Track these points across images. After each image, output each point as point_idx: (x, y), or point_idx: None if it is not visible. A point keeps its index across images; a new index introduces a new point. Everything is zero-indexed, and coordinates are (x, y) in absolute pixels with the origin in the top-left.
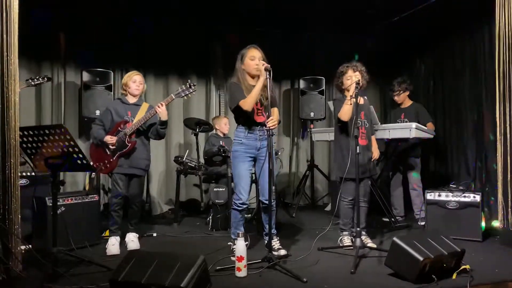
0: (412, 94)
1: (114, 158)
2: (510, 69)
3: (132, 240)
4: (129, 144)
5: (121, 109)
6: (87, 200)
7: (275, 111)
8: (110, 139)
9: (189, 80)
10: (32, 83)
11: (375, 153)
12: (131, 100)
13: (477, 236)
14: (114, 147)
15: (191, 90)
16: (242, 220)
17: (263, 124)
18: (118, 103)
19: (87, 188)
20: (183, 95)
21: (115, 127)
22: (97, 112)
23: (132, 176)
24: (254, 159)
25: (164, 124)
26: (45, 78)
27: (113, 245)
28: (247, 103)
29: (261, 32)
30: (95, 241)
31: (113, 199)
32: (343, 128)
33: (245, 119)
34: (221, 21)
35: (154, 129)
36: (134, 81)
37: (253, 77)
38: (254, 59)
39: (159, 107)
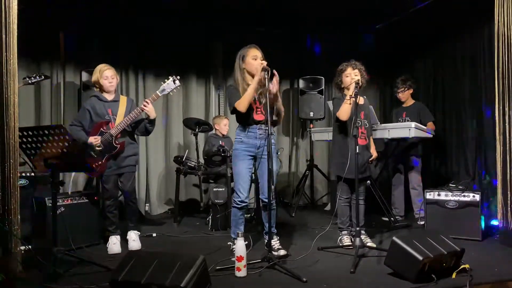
0: (413, 94)
1: (103, 161)
2: (509, 68)
3: (134, 240)
4: (118, 146)
5: (100, 108)
6: (86, 200)
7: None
8: (94, 140)
9: (174, 75)
10: (29, 81)
11: (374, 154)
12: (109, 96)
13: (477, 236)
14: (100, 148)
15: (176, 85)
16: (242, 219)
17: (262, 122)
18: (95, 101)
19: (69, 192)
20: (168, 91)
21: (96, 128)
22: None
23: (123, 174)
24: (255, 158)
25: (152, 122)
26: (43, 76)
27: (114, 244)
28: (241, 104)
29: (261, 32)
30: (94, 241)
31: (106, 201)
32: (342, 127)
33: (244, 118)
34: (221, 21)
35: (141, 127)
36: (106, 77)
37: (253, 76)
38: (256, 59)
39: (145, 105)
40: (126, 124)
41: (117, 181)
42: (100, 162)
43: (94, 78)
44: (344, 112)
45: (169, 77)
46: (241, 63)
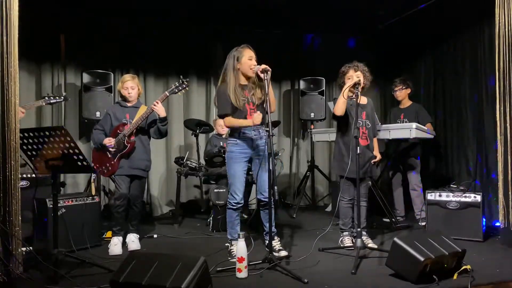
0: (412, 94)
1: (115, 160)
2: (510, 69)
3: (133, 241)
4: (128, 145)
5: (119, 113)
6: (87, 201)
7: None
8: (108, 141)
9: (181, 76)
10: (50, 101)
11: (378, 156)
12: (129, 103)
13: (478, 236)
14: (114, 149)
15: (184, 86)
16: (238, 220)
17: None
18: (116, 106)
19: (93, 192)
20: (176, 91)
21: (114, 130)
22: (97, 114)
23: (133, 177)
24: (250, 160)
25: (164, 120)
26: (62, 97)
27: (115, 245)
28: (228, 123)
29: (261, 32)
30: (95, 243)
31: (116, 201)
32: (343, 127)
33: (238, 118)
34: (221, 22)
35: (155, 128)
36: (126, 88)
37: (247, 77)
38: (252, 59)
39: (154, 105)
40: (138, 124)
41: (128, 182)
42: (112, 162)
43: (118, 86)
44: (338, 107)
45: (179, 79)
46: (236, 63)
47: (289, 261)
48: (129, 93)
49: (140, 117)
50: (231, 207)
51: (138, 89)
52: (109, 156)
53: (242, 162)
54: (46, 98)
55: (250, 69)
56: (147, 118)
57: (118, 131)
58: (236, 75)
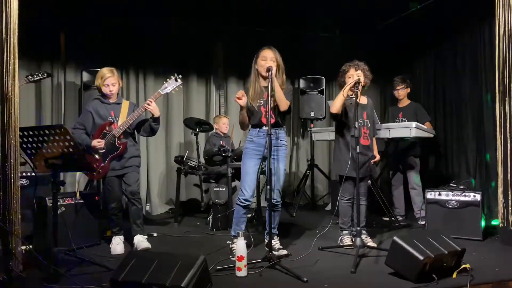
0: (412, 94)
1: (106, 162)
2: (510, 68)
3: (142, 240)
4: (121, 146)
5: (102, 110)
6: (87, 200)
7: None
8: (98, 143)
9: (175, 74)
10: (32, 79)
11: (377, 156)
12: (111, 99)
13: (478, 235)
14: (103, 150)
15: (178, 83)
16: (244, 218)
17: (272, 125)
18: (97, 103)
19: (77, 195)
20: (170, 89)
21: (99, 129)
22: None
23: (126, 173)
24: (264, 158)
25: (157, 120)
26: (45, 74)
27: (117, 244)
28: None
29: (262, 32)
30: (95, 241)
31: (110, 204)
32: (343, 126)
33: (254, 120)
34: (221, 21)
35: (146, 127)
36: (107, 85)
37: (263, 77)
38: (265, 60)
39: (148, 104)
40: (129, 124)
41: (120, 183)
42: (103, 164)
43: (96, 82)
44: (334, 104)
45: (171, 76)
46: (254, 63)
47: (288, 259)
48: (110, 91)
49: (131, 117)
50: (239, 203)
51: (119, 84)
52: (97, 157)
53: (255, 159)
54: (29, 76)
55: (263, 69)
56: (137, 118)
57: (105, 130)
58: (255, 75)
